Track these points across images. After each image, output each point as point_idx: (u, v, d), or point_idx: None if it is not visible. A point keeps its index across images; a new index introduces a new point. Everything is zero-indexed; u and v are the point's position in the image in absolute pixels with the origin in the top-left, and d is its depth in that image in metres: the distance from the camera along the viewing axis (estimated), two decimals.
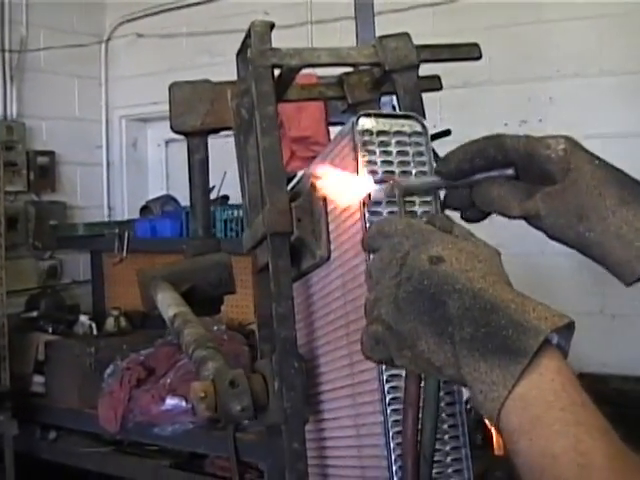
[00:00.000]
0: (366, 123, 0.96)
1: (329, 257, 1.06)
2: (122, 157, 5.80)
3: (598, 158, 0.91)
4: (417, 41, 1.24)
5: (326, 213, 1.06)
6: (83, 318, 4.50)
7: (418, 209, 0.95)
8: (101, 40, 5.59)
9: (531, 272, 3.78)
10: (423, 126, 0.99)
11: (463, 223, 0.90)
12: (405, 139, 0.97)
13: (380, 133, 0.96)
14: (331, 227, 1.05)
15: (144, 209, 4.88)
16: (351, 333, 1.00)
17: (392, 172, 0.95)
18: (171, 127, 1.59)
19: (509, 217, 0.94)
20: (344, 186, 0.94)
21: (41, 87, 5.13)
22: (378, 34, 1.26)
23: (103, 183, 5.70)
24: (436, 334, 0.74)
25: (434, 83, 1.37)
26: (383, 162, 0.95)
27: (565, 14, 3.89)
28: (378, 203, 0.93)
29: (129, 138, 5.84)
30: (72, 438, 4.00)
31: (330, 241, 1.05)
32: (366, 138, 0.95)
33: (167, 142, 5.93)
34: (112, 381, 3.67)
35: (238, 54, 1.26)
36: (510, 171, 0.92)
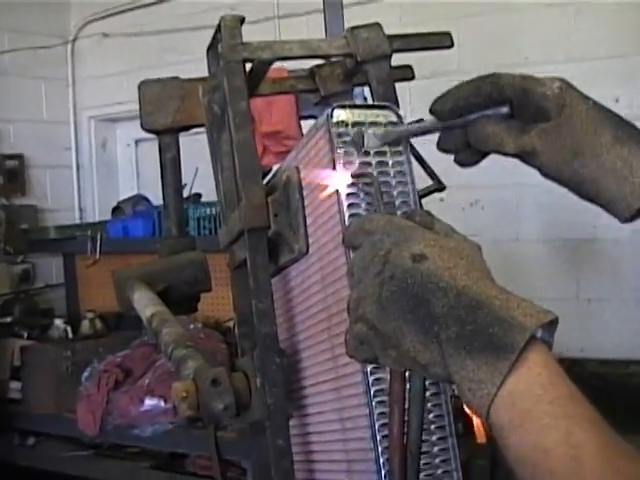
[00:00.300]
0: (341, 115, 0.95)
1: (307, 251, 1.05)
2: (92, 158, 5.74)
3: (592, 100, 0.92)
4: (386, 32, 1.23)
5: (303, 207, 1.05)
6: (58, 322, 4.45)
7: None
8: (67, 41, 5.53)
9: (505, 259, 3.80)
10: (398, 116, 0.98)
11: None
12: (381, 130, 0.96)
13: (355, 124, 0.95)
14: (308, 220, 1.04)
15: (116, 210, 4.84)
16: (333, 327, 0.99)
17: (369, 163, 0.94)
18: (141, 126, 1.58)
19: (504, 154, 0.94)
20: (321, 179, 0.94)
21: (7, 90, 5.08)
22: (346, 27, 1.25)
23: (73, 185, 5.65)
24: (421, 333, 0.74)
25: (406, 73, 1.37)
26: (359, 153, 0.94)
27: (532, 1, 3.90)
28: (355, 195, 0.92)
29: (98, 139, 5.79)
30: (51, 443, 3.96)
31: (308, 235, 1.04)
32: (341, 130, 0.95)
33: (137, 142, 5.88)
34: (89, 384, 3.63)
35: (208, 50, 1.25)
36: (505, 109, 0.92)
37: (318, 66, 1.31)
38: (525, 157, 0.93)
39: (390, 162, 0.95)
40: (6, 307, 4.66)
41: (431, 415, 0.91)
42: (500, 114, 0.92)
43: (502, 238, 3.93)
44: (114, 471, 3.69)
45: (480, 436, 2.16)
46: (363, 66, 1.20)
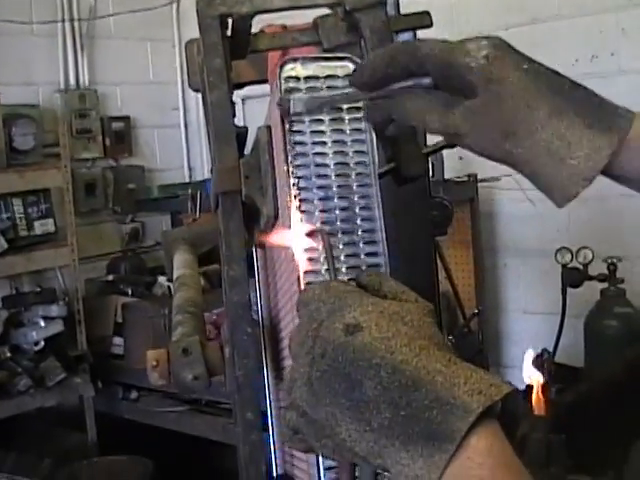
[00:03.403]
0: (291, 69, 0.89)
1: (277, 216, 0.99)
2: (199, 117, 5.79)
3: (530, 60, 0.79)
4: None
5: (273, 169, 0.99)
6: (161, 279, 4.54)
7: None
8: (171, 1, 5.57)
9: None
10: None
11: None
12: (337, 83, 0.89)
13: (308, 79, 0.89)
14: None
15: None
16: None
17: (321, 120, 0.88)
18: (189, 85, 1.54)
19: (430, 132, 0.83)
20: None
21: (113, 53, 5.19)
22: None
23: (182, 144, 5.74)
24: (356, 420, 0.64)
25: (423, 19, 1.27)
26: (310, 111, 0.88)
27: None
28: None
29: None
30: (152, 398, 4.07)
31: (277, 198, 0.98)
32: (291, 85, 0.88)
33: (243, 100, 5.88)
34: None
35: None
36: (427, 80, 0.81)
37: (322, 17, 1.23)
38: (451, 138, 0.81)
39: (347, 118, 0.89)
40: (114, 265, 4.80)
41: None
42: (422, 85, 0.81)
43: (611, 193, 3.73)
44: (207, 427, 3.75)
45: (538, 409, 2.05)
46: (355, 15, 1.11)
